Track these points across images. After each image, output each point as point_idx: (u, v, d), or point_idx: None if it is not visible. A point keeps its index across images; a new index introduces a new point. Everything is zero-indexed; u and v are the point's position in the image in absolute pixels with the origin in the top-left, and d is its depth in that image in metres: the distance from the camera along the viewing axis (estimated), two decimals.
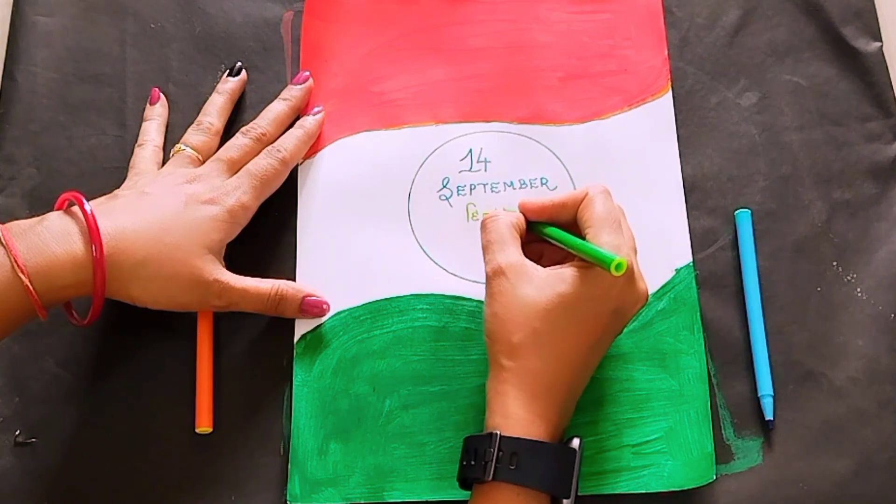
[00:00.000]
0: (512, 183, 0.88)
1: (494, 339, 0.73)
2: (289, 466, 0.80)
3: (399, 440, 0.80)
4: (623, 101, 0.91)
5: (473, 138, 0.90)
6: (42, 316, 0.75)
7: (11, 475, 0.82)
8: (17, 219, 0.82)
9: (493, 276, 0.74)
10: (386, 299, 0.85)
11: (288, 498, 0.79)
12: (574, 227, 0.76)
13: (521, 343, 0.72)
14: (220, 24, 0.95)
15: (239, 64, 0.92)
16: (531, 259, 0.76)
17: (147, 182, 0.83)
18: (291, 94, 0.90)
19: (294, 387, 0.83)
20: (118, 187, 0.84)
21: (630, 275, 0.72)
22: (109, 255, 0.76)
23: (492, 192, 0.88)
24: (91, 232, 0.75)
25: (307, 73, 0.92)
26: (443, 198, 0.88)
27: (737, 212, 0.86)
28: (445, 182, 0.89)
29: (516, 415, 0.70)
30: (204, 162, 0.86)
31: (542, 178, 0.88)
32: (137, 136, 0.90)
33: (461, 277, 0.85)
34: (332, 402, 0.82)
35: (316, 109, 0.91)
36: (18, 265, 0.73)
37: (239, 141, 0.86)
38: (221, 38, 0.95)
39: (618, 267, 0.68)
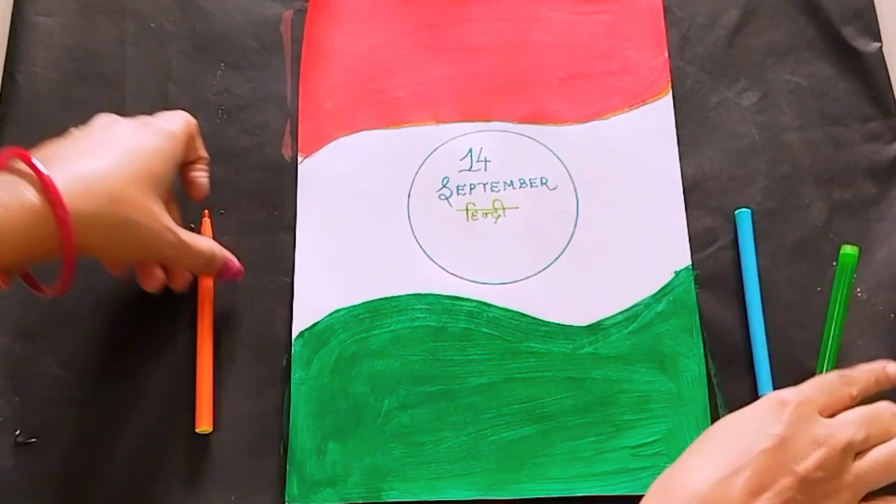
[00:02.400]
0: (512, 182, 0.88)
1: None
2: (287, 467, 0.80)
3: (397, 440, 0.80)
4: (624, 102, 0.91)
5: (473, 138, 0.90)
6: (3, 283, 0.69)
7: (12, 475, 0.82)
8: None
9: None
10: (385, 298, 0.85)
11: (286, 499, 0.79)
12: None
13: None
14: (219, 23, 0.95)
15: None
16: None
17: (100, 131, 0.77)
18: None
19: (292, 385, 0.83)
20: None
21: None
22: (70, 205, 0.68)
23: (492, 191, 0.88)
24: (48, 190, 0.68)
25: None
26: (442, 197, 0.88)
27: (737, 211, 0.86)
28: (445, 181, 0.89)
29: None
30: None
31: (542, 178, 0.88)
32: None
33: (460, 277, 0.85)
34: (330, 402, 0.82)
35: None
36: None
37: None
38: (221, 37, 0.95)
39: None
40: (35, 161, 0.68)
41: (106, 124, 0.78)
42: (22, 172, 0.69)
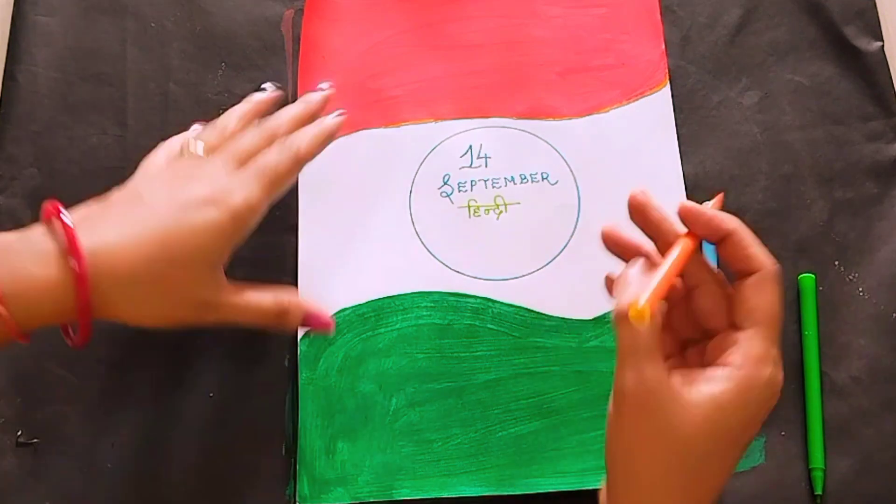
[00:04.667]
0: (513, 178, 0.89)
1: (629, 476, 0.60)
2: (297, 467, 0.81)
3: (406, 438, 0.81)
4: (622, 95, 0.91)
5: (473, 134, 0.90)
6: (23, 341, 0.67)
7: (13, 476, 0.82)
8: (18, 219, 0.83)
9: (635, 397, 0.59)
10: (390, 297, 0.85)
11: (297, 499, 0.80)
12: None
13: (669, 486, 0.59)
14: (220, 23, 0.95)
15: (269, 85, 0.87)
16: None
17: (145, 181, 0.75)
18: (310, 97, 0.84)
19: (300, 385, 0.83)
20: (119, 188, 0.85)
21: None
22: (95, 276, 0.66)
23: (493, 187, 0.88)
24: (72, 250, 0.66)
25: (329, 83, 0.87)
26: (444, 195, 0.88)
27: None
28: (446, 179, 0.89)
29: None
30: None
31: (542, 173, 0.88)
32: (138, 135, 0.91)
33: (464, 274, 0.85)
34: (338, 401, 0.82)
35: (338, 112, 0.83)
36: None
37: (249, 134, 0.78)
38: (222, 37, 0.95)
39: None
40: (67, 221, 0.68)
41: (172, 190, 0.73)
42: (58, 233, 0.68)
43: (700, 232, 0.63)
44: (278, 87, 0.85)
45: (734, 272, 0.62)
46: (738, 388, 0.58)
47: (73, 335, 0.72)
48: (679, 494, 0.59)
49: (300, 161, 0.78)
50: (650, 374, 0.58)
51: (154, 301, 0.70)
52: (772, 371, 0.59)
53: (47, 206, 0.69)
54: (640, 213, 0.65)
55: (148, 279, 0.69)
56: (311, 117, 0.82)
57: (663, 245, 0.64)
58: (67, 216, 0.68)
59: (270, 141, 0.78)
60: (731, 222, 0.62)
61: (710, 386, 0.58)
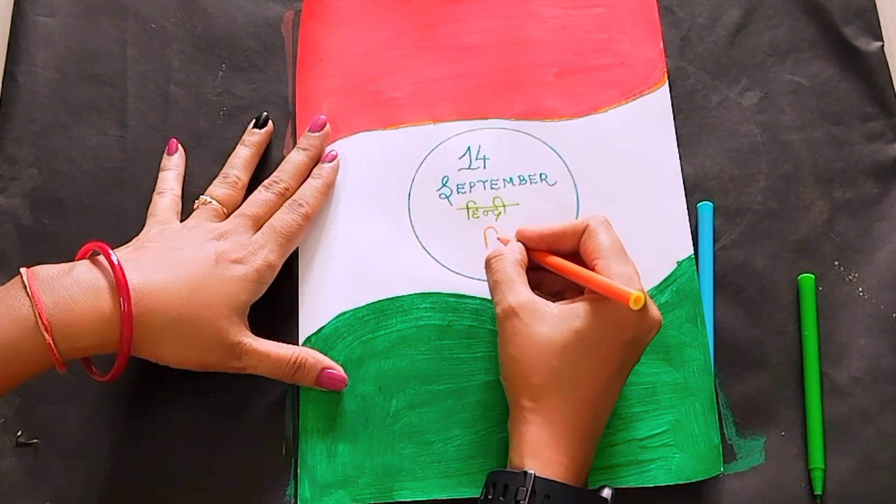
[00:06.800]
0: (511, 179, 0.88)
1: (514, 382, 0.73)
2: (297, 469, 0.81)
3: (407, 439, 0.81)
4: (620, 95, 0.91)
5: (471, 136, 0.90)
6: (61, 370, 0.72)
7: (13, 476, 0.82)
8: (18, 219, 0.82)
9: (506, 318, 0.74)
10: (389, 299, 0.85)
11: (298, 502, 0.80)
12: (573, 257, 0.77)
13: (541, 383, 0.71)
14: (220, 24, 0.95)
15: (265, 114, 0.91)
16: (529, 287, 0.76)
17: (174, 235, 0.81)
18: (310, 143, 0.89)
19: (301, 389, 0.83)
20: (119, 188, 0.85)
21: (643, 304, 0.70)
22: (139, 313, 0.73)
23: (491, 188, 0.88)
24: (120, 287, 0.73)
25: (323, 117, 0.90)
26: (443, 196, 0.88)
27: (699, 204, 0.87)
28: (445, 180, 0.89)
29: (543, 456, 0.70)
30: (228, 215, 0.85)
31: (541, 174, 0.88)
32: (138, 136, 0.91)
33: (463, 275, 0.85)
34: (339, 404, 0.82)
35: (331, 154, 0.89)
36: (42, 321, 0.70)
37: (262, 196, 0.85)
38: (222, 38, 0.95)
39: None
40: (114, 259, 0.74)
41: (201, 244, 0.81)
42: (105, 270, 0.75)
43: (544, 246, 0.79)
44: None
45: (584, 255, 0.76)
46: (591, 300, 0.73)
47: (96, 370, 0.79)
48: (562, 394, 0.71)
49: (309, 218, 0.85)
50: (522, 293, 0.74)
51: (187, 341, 0.77)
52: (617, 288, 0.70)
53: (90, 245, 0.77)
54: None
55: (183, 319, 0.75)
56: (313, 162, 0.89)
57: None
58: (115, 255, 0.74)
59: (281, 201, 0.85)
60: (551, 228, 0.78)
61: (568, 303, 0.73)
